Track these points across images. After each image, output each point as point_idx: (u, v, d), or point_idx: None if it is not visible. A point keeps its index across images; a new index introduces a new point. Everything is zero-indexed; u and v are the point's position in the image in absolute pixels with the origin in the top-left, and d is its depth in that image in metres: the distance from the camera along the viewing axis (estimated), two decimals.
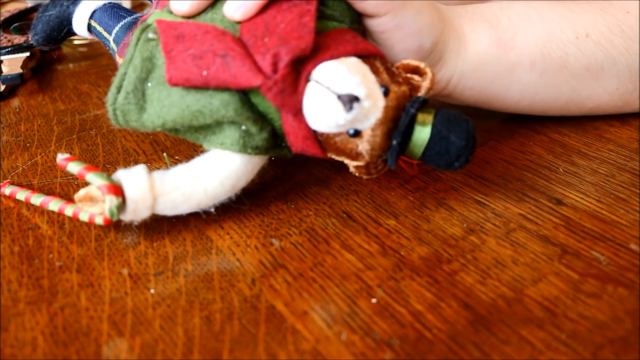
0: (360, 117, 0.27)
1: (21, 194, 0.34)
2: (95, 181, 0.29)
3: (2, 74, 0.52)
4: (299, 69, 0.27)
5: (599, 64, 0.37)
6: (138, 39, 0.30)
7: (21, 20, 0.63)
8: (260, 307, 0.26)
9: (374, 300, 0.26)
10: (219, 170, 0.30)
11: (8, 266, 0.29)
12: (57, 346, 0.25)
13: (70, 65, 0.58)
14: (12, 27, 0.61)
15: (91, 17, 0.37)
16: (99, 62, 0.59)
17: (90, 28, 0.37)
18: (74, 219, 0.32)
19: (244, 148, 0.30)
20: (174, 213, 0.31)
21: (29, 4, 0.67)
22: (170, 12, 0.31)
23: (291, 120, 0.29)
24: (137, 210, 0.29)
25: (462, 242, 0.30)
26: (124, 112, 0.29)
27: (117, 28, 0.35)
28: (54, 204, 0.32)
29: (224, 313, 0.26)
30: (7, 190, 0.35)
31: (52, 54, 0.61)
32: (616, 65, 0.37)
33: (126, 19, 0.35)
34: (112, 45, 0.35)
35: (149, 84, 0.29)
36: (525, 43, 0.35)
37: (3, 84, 0.50)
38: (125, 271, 0.29)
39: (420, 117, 0.28)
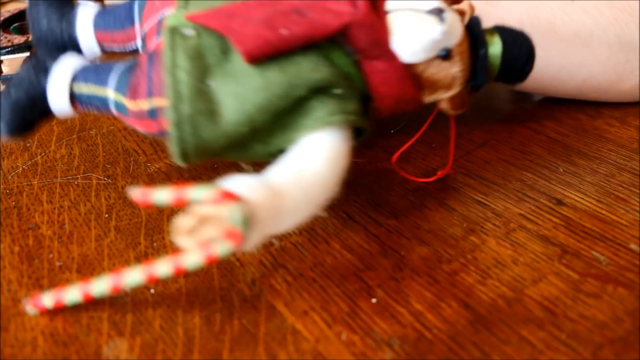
0: (450, 29, 0.26)
1: (73, 293, 0.26)
2: (203, 195, 0.22)
3: (2, 74, 0.52)
4: (374, 4, 0.26)
5: (588, 31, 0.37)
6: (173, 42, 0.25)
7: (21, 20, 0.63)
8: (260, 307, 0.26)
9: (374, 300, 0.26)
10: (324, 154, 0.25)
11: (8, 266, 0.29)
12: (57, 346, 0.25)
13: None
14: (12, 27, 0.61)
15: (73, 81, 0.29)
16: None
17: (74, 97, 0.29)
18: (175, 271, 0.24)
19: (344, 115, 0.25)
20: (293, 219, 0.25)
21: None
22: (186, 8, 0.27)
23: (382, 65, 0.26)
24: (265, 219, 0.23)
25: (462, 242, 0.30)
26: (194, 124, 0.24)
27: (114, 74, 0.28)
28: (135, 276, 0.24)
29: (224, 313, 0.26)
30: (48, 301, 0.26)
31: None
32: (605, 33, 0.37)
33: (122, 64, 0.28)
34: (114, 96, 0.28)
35: (212, 83, 0.25)
36: (511, 3, 0.36)
37: (3, 84, 0.50)
38: None
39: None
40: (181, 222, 0.22)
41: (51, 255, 0.30)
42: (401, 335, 0.25)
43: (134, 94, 0.26)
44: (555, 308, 0.25)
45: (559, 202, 0.32)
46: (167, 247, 0.30)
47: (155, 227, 0.32)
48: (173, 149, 0.25)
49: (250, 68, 0.25)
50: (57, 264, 0.29)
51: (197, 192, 0.22)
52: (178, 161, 0.25)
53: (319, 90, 0.25)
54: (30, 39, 0.57)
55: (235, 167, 0.35)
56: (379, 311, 0.26)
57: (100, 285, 0.25)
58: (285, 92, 0.25)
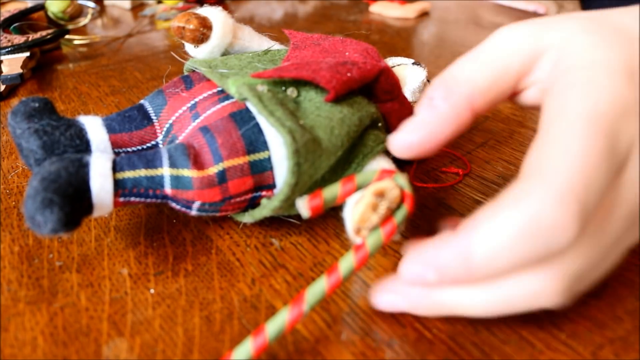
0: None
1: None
2: (368, 177, 0.25)
3: (2, 74, 0.52)
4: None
5: None
6: (258, 95, 0.28)
7: (21, 20, 0.63)
8: (260, 307, 0.26)
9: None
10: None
11: (8, 266, 0.29)
12: (57, 346, 0.25)
13: (70, 65, 0.58)
14: (12, 27, 0.61)
15: (115, 170, 0.27)
16: (99, 62, 0.59)
17: (117, 186, 0.27)
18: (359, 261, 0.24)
19: (382, 144, 0.30)
20: None
21: (29, 4, 0.67)
22: (234, 76, 0.30)
23: (397, 105, 0.33)
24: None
25: None
26: (308, 149, 0.27)
27: (163, 155, 0.28)
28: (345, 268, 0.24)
29: (224, 313, 0.26)
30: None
31: (52, 54, 0.61)
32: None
33: (164, 148, 0.28)
34: (172, 172, 0.27)
35: (303, 122, 0.28)
36: None
37: (3, 84, 0.50)
38: (125, 271, 0.29)
39: None
40: (356, 212, 0.24)
41: (51, 255, 0.30)
42: (401, 335, 0.25)
43: (199, 164, 0.27)
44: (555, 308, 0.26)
45: None
46: (167, 247, 0.30)
47: (155, 227, 0.32)
48: (288, 180, 0.27)
49: (326, 108, 0.29)
50: (57, 264, 0.29)
51: (361, 177, 0.25)
52: (285, 196, 0.27)
53: (372, 123, 0.31)
54: (30, 38, 0.57)
55: None
56: (379, 311, 0.26)
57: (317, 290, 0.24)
58: (359, 121, 0.29)
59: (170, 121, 0.31)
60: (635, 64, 0.24)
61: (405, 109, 0.33)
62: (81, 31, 0.69)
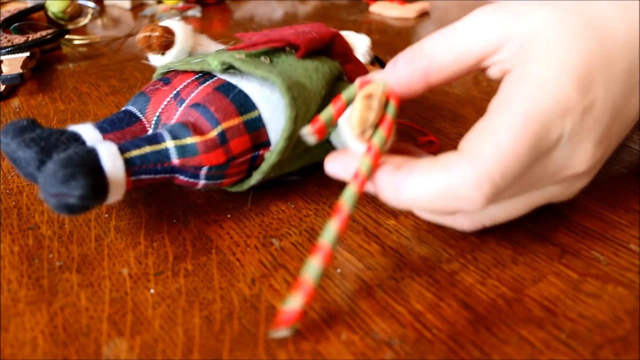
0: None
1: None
2: (352, 91, 0.28)
3: (2, 74, 0.52)
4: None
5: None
6: (242, 61, 0.32)
7: (21, 20, 0.63)
8: (260, 307, 0.26)
9: (338, 270, 0.26)
10: None
11: (8, 266, 0.29)
12: (57, 346, 0.25)
13: (70, 65, 0.58)
14: (12, 27, 0.61)
15: (121, 152, 0.28)
16: (99, 62, 0.59)
17: (129, 163, 0.28)
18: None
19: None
20: None
21: (29, 4, 0.67)
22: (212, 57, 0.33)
23: (352, 66, 0.36)
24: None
25: (462, 242, 0.30)
26: (296, 85, 0.31)
27: (162, 131, 0.30)
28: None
29: (224, 313, 0.26)
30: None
31: (52, 54, 0.61)
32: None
33: (160, 129, 0.30)
34: (176, 142, 0.29)
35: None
36: None
37: (3, 84, 0.50)
38: (125, 271, 0.29)
39: None
40: (354, 117, 0.27)
41: (51, 255, 0.30)
42: (401, 335, 0.25)
43: (199, 132, 0.30)
44: (555, 308, 0.26)
45: None
46: (167, 247, 0.30)
47: (155, 227, 0.32)
48: (289, 114, 0.30)
49: (299, 64, 0.33)
50: (57, 264, 0.29)
51: (346, 93, 0.28)
52: (289, 132, 0.30)
53: (339, 75, 0.35)
54: (30, 38, 0.57)
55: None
56: (379, 311, 0.26)
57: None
58: (330, 70, 0.34)
59: (157, 113, 0.33)
60: (596, 62, 0.26)
61: (361, 69, 0.36)
62: (81, 31, 0.69)
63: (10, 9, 0.66)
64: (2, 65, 0.53)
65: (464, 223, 0.29)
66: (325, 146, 0.32)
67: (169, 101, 0.33)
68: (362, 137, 0.27)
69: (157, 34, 0.35)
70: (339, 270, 0.28)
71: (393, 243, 0.30)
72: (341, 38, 0.36)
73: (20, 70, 0.52)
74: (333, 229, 0.25)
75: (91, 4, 0.74)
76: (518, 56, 0.26)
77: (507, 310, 0.26)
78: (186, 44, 0.36)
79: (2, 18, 0.62)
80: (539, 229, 0.30)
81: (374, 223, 0.32)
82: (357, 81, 0.29)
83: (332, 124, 0.28)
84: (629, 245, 0.29)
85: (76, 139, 0.30)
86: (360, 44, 0.41)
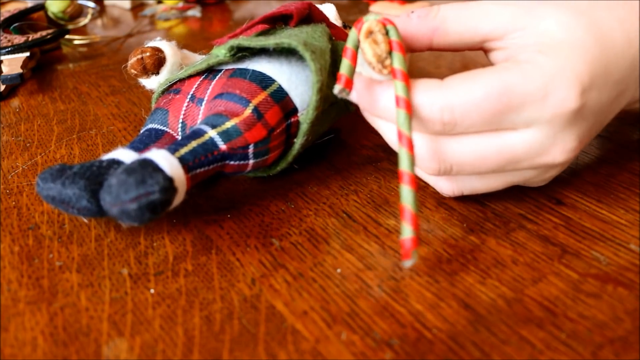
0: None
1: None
2: (352, 37, 0.29)
3: (2, 74, 0.52)
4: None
5: None
6: (250, 40, 0.34)
7: (21, 20, 0.63)
8: (260, 307, 0.26)
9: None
10: None
11: (8, 266, 0.29)
12: (57, 346, 0.25)
13: (70, 65, 0.58)
14: (12, 27, 0.61)
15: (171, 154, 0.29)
16: (99, 62, 0.59)
17: (183, 160, 0.29)
18: None
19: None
20: None
21: (29, 4, 0.67)
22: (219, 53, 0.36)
23: (333, 31, 0.39)
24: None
25: (462, 242, 0.30)
26: (308, 43, 0.33)
27: (200, 126, 0.31)
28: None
29: (224, 313, 0.26)
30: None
31: (52, 54, 0.61)
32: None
33: (196, 126, 0.32)
34: (217, 130, 0.31)
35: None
36: None
37: (3, 84, 0.50)
38: (125, 271, 0.29)
39: None
40: (368, 55, 0.28)
41: (51, 255, 0.30)
42: (401, 335, 0.25)
43: (234, 114, 0.31)
44: (555, 308, 0.26)
45: (559, 202, 0.32)
46: (167, 247, 0.30)
47: (155, 227, 0.32)
48: (313, 67, 0.32)
49: (295, 32, 0.36)
50: (57, 264, 0.29)
51: (349, 41, 0.29)
52: (319, 82, 0.32)
53: (330, 37, 0.37)
54: (30, 38, 0.57)
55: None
56: (379, 311, 0.26)
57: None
58: (323, 29, 0.37)
59: (180, 119, 0.34)
60: (596, 70, 0.27)
61: (340, 32, 0.40)
62: (81, 31, 0.70)
63: (10, 9, 0.66)
64: (2, 65, 0.53)
65: (443, 186, 0.31)
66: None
67: (187, 106, 0.34)
68: (385, 68, 0.28)
69: (148, 54, 0.36)
70: (339, 270, 0.28)
71: (393, 243, 0.30)
72: (315, 7, 0.39)
73: (20, 70, 0.52)
74: (404, 155, 0.27)
75: (91, 4, 0.74)
76: (526, 48, 0.28)
77: (507, 310, 0.26)
78: (176, 57, 0.37)
79: (2, 18, 0.62)
80: (539, 229, 0.30)
81: (374, 223, 0.32)
82: (353, 28, 0.30)
83: (354, 72, 0.29)
84: (629, 245, 0.29)
85: (117, 162, 0.30)
86: (329, 12, 0.43)
